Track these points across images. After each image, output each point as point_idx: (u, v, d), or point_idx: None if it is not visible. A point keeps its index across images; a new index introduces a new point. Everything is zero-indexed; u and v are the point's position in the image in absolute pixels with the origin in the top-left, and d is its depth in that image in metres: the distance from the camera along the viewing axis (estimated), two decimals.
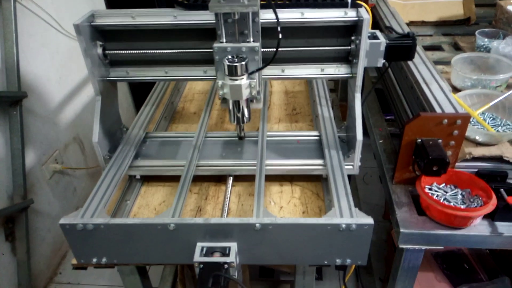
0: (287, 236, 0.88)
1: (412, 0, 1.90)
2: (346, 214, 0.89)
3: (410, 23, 1.92)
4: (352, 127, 1.08)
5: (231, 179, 1.14)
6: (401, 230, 0.97)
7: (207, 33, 1.01)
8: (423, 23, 1.94)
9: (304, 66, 1.07)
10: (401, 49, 1.00)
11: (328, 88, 1.52)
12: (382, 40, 0.96)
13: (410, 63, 1.31)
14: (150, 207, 1.11)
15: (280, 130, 1.40)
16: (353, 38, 1.01)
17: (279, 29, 0.87)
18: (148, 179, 1.19)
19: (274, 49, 0.91)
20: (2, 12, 1.67)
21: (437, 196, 1.01)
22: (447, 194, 1.01)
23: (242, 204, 1.08)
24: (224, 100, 0.98)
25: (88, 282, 2.13)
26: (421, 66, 1.29)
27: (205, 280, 0.80)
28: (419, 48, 1.44)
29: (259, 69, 0.94)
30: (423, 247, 0.99)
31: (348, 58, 1.05)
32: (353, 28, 1.00)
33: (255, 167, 1.07)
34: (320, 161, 1.10)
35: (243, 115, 0.99)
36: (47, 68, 2.03)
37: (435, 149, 0.95)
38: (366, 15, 0.92)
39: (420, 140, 0.99)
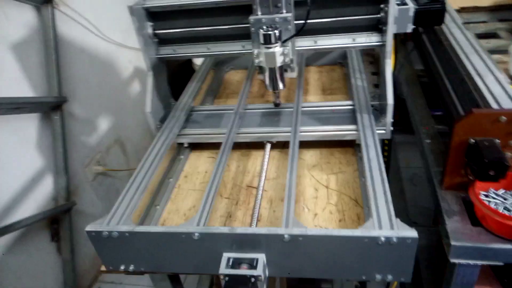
0: (319, 249, 0.81)
1: None
2: (386, 225, 0.80)
3: (461, 10, 1.74)
4: (383, 93, 1.12)
5: (269, 146, 1.22)
6: (452, 242, 0.86)
7: (245, 10, 1.10)
8: (475, 9, 1.75)
9: (335, 36, 1.14)
10: (430, 14, 1.05)
11: (362, 60, 1.51)
12: (411, 5, 1.01)
13: (460, 52, 1.23)
14: (180, 212, 1.11)
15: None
16: (382, 6, 1.06)
17: None
18: (194, 148, 1.35)
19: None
20: (42, 19, 1.73)
21: (495, 204, 0.88)
22: (507, 202, 0.88)
23: (274, 211, 1.04)
24: (261, 70, 1.09)
25: (130, 282, 2.17)
26: (473, 56, 1.19)
27: None
28: (470, 36, 1.31)
29: (291, 37, 1.03)
30: (479, 263, 0.87)
31: (378, 26, 1.10)
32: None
33: (289, 134, 1.14)
34: (353, 126, 1.15)
35: (278, 82, 1.09)
36: (86, 72, 2.09)
37: (492, 151, 0.83)
38: None
39: (473, 140, 0.87)
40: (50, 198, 1.89)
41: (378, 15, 1.08)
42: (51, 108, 1.80)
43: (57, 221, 1.92)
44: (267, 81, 1.11)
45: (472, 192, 0.89)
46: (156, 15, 1.21)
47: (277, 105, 1.25)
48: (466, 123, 0.87)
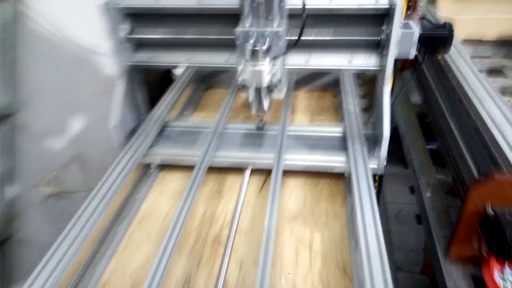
0: None
1: (467, 14, 1.63)
2: None
3: (464, 42, 1.65)
4: (379, 123, 1.01)
5: (247, 174, 1.12)
6: None
7: (231, 19, 0.97)
8: (480, 42, 1.66)
9: (330, 57, 1.03)
10: (436, 41, 0.97)
11: (356, 84, 1.38)
12: (415, 30, 0.92)
13: (471, 95, 1.08)
14: (126, 272, 0.88)
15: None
16: (383, 28, 0.95)
17: (303, 7, 0.84)
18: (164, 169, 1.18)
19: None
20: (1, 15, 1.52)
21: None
22: None
23: (244, 278, 0.84)
24: (244, 88, 0.96)
25: None
26: (487, 101, 1.03)
27: None
28: (482, 77, 1.17)
29: (282, 54, 0.91)
30: None
31: (378, 49, 1.00)
32: (384, 17, 0.94)
33: (271, 161, 1.04)
34: (342, 157, 1.05)
35: (263, 103, 0.98)
36: (48, 78, 1.77)
37: None
38: (399, 1, 0.86)
39: (492, 212, 0.73)
40: None
41: (378, 38, 0.97)
42: None
43: None
44: (251, 101, 0.99)
45: (487, 271, 0.74)
46: (132, 17, 1.08)
47: (260, 128, 1.13)
48: (484, 190, 0.72)
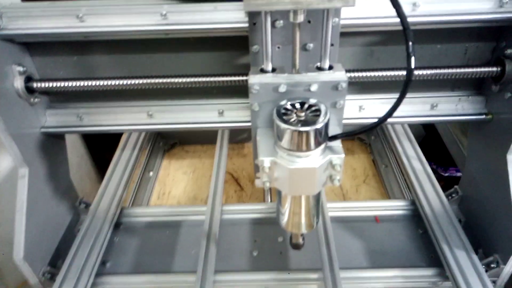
0: None
1: None
2: None
3: None
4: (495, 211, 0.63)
5: None
6: None
7: (227, 42, 0.60)
8: None
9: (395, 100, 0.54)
10: None
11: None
12: None
13: None
14: None
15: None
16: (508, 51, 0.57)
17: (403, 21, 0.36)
18: None
19: None
20: None
21: None
22: None
23: None
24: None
25: None
26: None
27: None
28: None
29: (363, 131, 0.46)
30: None
31: (489, 86, 0.62)
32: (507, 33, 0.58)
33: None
34: (431, 271, 0.66)
35: (309, 215, 0.51)
36: None
37: None
38: None
39: None
40: None
41: (494, 68, 0.58)
42: None
43: None
44: (285, 212, 0.51)
45: None
46: (32, 49, 0.62)
47: (298, 246, 0.58)
48: None
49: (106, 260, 0.69)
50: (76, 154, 1.15)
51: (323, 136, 0.42)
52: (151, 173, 1.00)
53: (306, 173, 0.43)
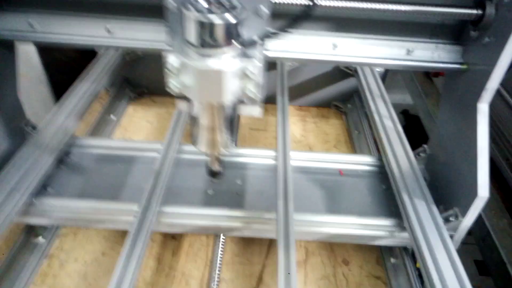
0: None
1: None
2: None
3: None
4: (455, 165, 0.62)
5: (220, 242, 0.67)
6: None
7: None
8: None
9: (371, 41, 0.61)
10: None
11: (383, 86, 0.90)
12: None
13: None
14: None
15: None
16: None
17: None
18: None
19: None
20: None
21: None
22: None
23: None
24: (183, 98, 0.44)
25: None
26: None
27: None
28: None
29: (272, 34, 0.42)
30: None
31: (467, 32, 0.59)
32: None
33: (268, 225, 0.62)
34: (389, 221, 0.64)
35: (221, 134, 0.46)
36: None
37: None
38: None
39: None
40: None
41: (478, 10, 0.55)
42: None
43: None
44: (195, 130, 0.47)
45: None
46: None
47: (214, 174, 0.54)
48: None
49: (48, 184, 0.64)
50: (32, 74, 1.09)
51: (234, 35, 0.38)
52: (112, 116, 0.95)
53: (214, 75, 0.39)
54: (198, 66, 0.38)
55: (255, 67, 0.40)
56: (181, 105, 0.45)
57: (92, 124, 0.88)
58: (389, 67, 0.73)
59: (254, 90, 0.41)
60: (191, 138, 0.48)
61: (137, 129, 0.96)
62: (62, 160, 0.69)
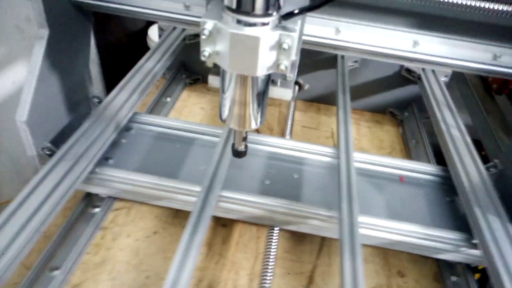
0: None
1: None
2: None
3: None
4: None
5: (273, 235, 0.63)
6: None
7: None
8: None
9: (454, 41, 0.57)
10: None
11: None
12: None
13: None
14: None
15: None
16: None
17: None
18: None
19: None
20: None
21: None
22: None
23: None
24: (215, 71, 0.54)
25: None
26: None
27: None
28: None
29: (312, 8, 0.40)
30: None
31: None
32: None
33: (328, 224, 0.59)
34: (455, 234, 0.59)
35: (254, 108, 0.44)
36: None
37: None
38: None
39: None
40: None
41: None
42: None
43: None
44: (226, 103, 0.45)
45: None
46: None
47: (239, 154, 0.53)
48: None
49: (109, 157, 0.65)
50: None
51: (274, 5, 0.37)
52: (168, 99, 0.95)
53: (249, 42, 0.37)
54: (235, 31, 0.37)
55: (293, 40, 0.38)
56: (213, 79, 0.44)
57: (149, 104, 0.89)
58: (472, 71, 0.69)
59: (288, 65, 0.39)
60: (220, 113, 0.47)
61: (190, 114, 0.96)
62: (124, 134, 0.70)
